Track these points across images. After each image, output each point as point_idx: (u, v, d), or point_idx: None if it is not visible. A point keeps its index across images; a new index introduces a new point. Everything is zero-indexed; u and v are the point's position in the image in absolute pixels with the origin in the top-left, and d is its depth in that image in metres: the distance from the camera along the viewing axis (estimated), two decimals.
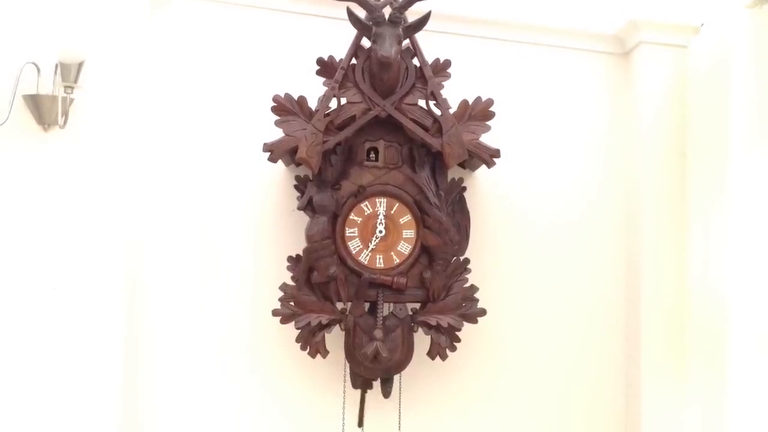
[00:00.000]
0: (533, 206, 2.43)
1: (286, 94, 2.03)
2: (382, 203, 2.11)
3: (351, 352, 2.08)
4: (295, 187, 2.17)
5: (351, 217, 2.10)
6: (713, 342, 2.23)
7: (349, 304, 2.09)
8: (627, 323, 2.46)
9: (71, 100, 1.99)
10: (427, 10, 2.00)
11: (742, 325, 2.13)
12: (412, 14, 2.03)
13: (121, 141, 2.09)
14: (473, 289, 2.16)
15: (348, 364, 2.13)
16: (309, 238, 2.04)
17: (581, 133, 2.49)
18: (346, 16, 1.99)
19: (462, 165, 2.22)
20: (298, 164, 2.08)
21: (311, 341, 2.06)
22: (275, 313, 2.06)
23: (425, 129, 2.05)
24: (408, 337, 2.10)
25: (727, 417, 2.15)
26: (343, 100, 2.04)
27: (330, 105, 2.03)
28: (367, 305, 2.11)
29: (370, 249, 2.10)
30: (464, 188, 2.22)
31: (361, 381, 2.16)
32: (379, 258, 2.11)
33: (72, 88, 1.96)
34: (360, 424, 2.19)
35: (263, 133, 2.05)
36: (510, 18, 2.42)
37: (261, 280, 2.22)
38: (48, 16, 2.00)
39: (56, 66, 1.96)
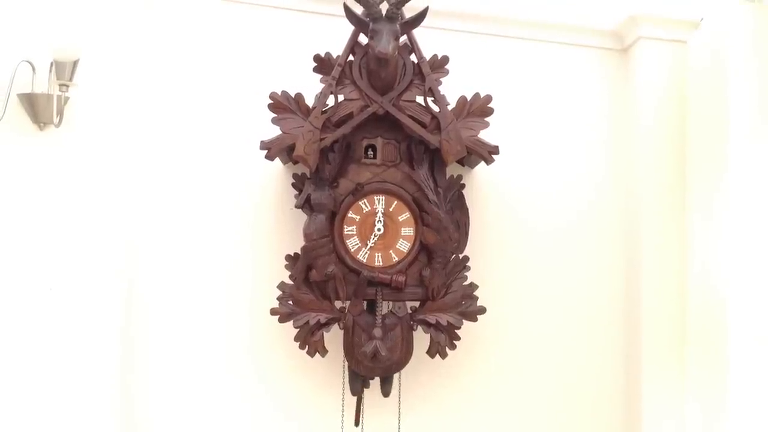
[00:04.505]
0: (533, 203, 2.42)
1: (283, 92, 2.02)
2: (380, 201, 2.10)
3: (350, 351, 2.07)
4: (293, 185, 2.15)
5: (349, 215, 2.08)
6: (713, 337, 2.22)
7: (348, 302, 2.08)
8: (627, 319, 2.45)
9: (66, 99, 1.98)
10: (424, 6, 1.98)
11: (742, 321, 2.12)
12: (410, 10, 2.01)
13: (117, 139, 2.09)
14: (473, 286, 2.15)
15: (347, 364, 2.12)
16: (307, 236, 2.02)
17: (581, 130, 2.48)
18: (343, 13, 1.97)
19: (461, 162, 2.21)
20: (295, 162, 2.07)
21: (310, 340, 2.05)
22: (273, 312, 2.05)
23: (423, 126, 2.04)
24: (407, 336, 2.09)
25: (727, 412, 2.14)
26: (341, 97, 2.02)
27: (327, 102, 2.02)
28: (365, 304, 2.09)
29: (368, 247, 2.09)
30: (463, 185, 2.21)
31: (360, 381, 2.14)
32: (378, 256, 2.09)
33: (67, 86, 1.96)
34: (357, 423, 2.17)
35: (260, 131, 2.04)
36: (508, 14, 2.40)
37: (259, 279, 2.21)
38: (43, 14, 1.99)
39: (51, 64, 1.95)
